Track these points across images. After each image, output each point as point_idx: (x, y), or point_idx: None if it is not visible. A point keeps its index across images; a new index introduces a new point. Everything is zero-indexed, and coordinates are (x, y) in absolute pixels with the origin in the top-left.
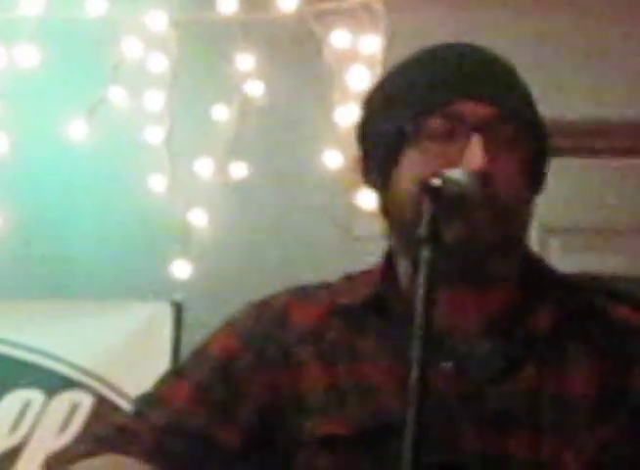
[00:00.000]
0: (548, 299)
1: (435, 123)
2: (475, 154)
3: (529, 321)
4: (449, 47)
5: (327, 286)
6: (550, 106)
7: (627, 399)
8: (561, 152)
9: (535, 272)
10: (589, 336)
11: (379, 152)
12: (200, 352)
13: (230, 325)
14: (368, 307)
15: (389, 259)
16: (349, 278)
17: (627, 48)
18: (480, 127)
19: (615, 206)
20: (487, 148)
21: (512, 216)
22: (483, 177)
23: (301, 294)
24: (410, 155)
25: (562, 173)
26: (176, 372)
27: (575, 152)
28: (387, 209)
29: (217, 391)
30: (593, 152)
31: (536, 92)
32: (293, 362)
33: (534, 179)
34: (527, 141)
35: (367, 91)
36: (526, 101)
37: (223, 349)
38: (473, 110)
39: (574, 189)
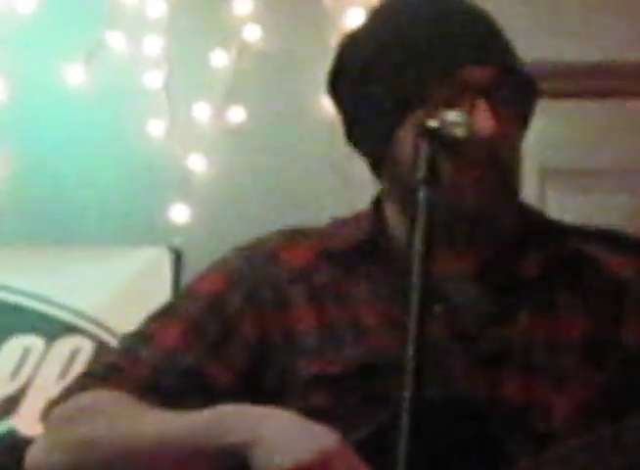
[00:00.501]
0: (539, 246)
1: (438, 92)
2: (485, 120)
3: (519, 267)
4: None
5: (316, 230)
6: (549, 48)
7: (619, 349)
8: (560, 94)
9: (529, 220)
10: (580, 284)
11: (376, 118)
12: (190, 292)
13: (220, 265)
14: (358, 252)
15: (377, 206)
16: (338, 223)
17: None
18: (484, 91)
19: (614, 147)
20: (492, 110)
21: (511, 171)
22: (491, 140)
23: (291, 236)
24: (408, 124)
25: (562, 116)
26: (166, 311)
27: (574, 94)
28: (380, 168)
29: (208, 329)
30: (592, 93)
31: (535, 34)
32: (284, 302)
33: (525, 130)
34: (523, 95)
35: (348, 44)
36: (514, 54)
37: (213, 288)
38: (475, 75)
39: (574, 131)
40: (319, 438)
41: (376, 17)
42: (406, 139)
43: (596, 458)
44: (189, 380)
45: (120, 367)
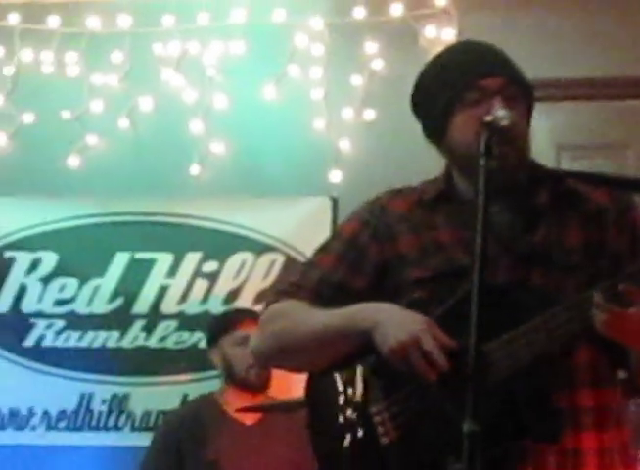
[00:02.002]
0: (546, 186)
1: (471, 95)
2: (499, 107)
3: (535, 199)
4: (468, 43)
5: (411, 188)
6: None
7: (604, 248)
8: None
9: (539, 171)
10: (575, 209)
11: (434, 115)
12: (338, 233)
13: (354, 214)
14: (438, 199)
15: (447, 170)
16: (424, 182)
17: None
18: (498, 92)
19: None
20: (505, 103)
21: (523, 142)
22: (515, 128)
23: (396, 192)
24: (458, 117)
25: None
26: (324, 246)
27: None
28: (445, 149)
29: (349, 256)
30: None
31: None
32: (393, 235)
33: (529, 121)
34: (524, 96)
35: (422, 72)
36: (519, 72)
37: (350, 230)
38: (490, 83)
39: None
40: (414, 323)
41: (438, 54)
42: (458, 126)
43: (530, 338)
44: (338, 289)
45: (298, 284)
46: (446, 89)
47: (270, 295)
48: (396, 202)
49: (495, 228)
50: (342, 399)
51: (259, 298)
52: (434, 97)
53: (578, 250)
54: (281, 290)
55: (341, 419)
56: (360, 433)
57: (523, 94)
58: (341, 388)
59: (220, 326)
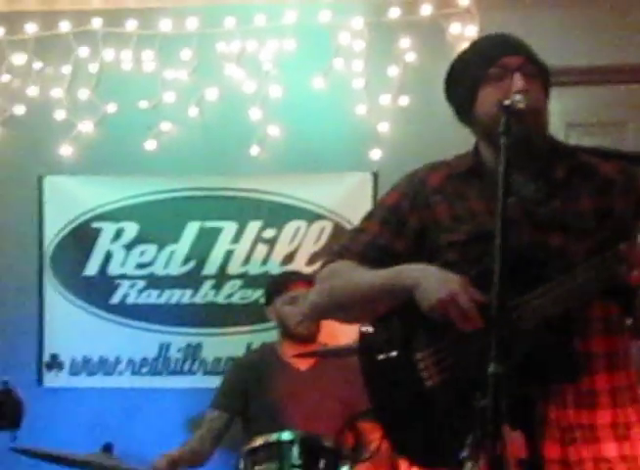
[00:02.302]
0: (562, 160)
1: (494, 71)
2: (518, 80)
3: (552, 173)
4: (491, 35)
5: (445, 162)
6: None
7: (614, 214)
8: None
9: (555, 146)
10: (587, 180)
11: (463, 93)
12: (381, 202)
13: (395, 186)
14: (468, 173)
15: (476, 146)
16: (456, 157)
17: None
18: (517, 69)
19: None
20: (524, 78)
21: (541, 116)
22: (525, 92)
23: (431, 166)
24: (483, 92)
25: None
26: (369, 214)
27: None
28: (472, 124)
29: (392, 222)
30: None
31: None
32: (430, 204)
33: (547, 97)
34: (541, 75)
35: (454, 61)
36: (534, 53)
37: (392, 200)
38: (511, 60)
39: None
40: (451, 282)
41: (465, 47)
42: (483, 100)
43: (560, 290)
44: (383, 252)
45: (348, 247)
46: (473, 68)
47: (325, 256)
48: (431, 175)
49: (519, 197)
50: (389, 348)
51: (311, 260)
52: (463, 77)
53: (590, 215)
54: (334, 252)
55: (389, 365)
56: (407, 377)
57: (539, 72)
58: (388, 337)
59: (274, 288)
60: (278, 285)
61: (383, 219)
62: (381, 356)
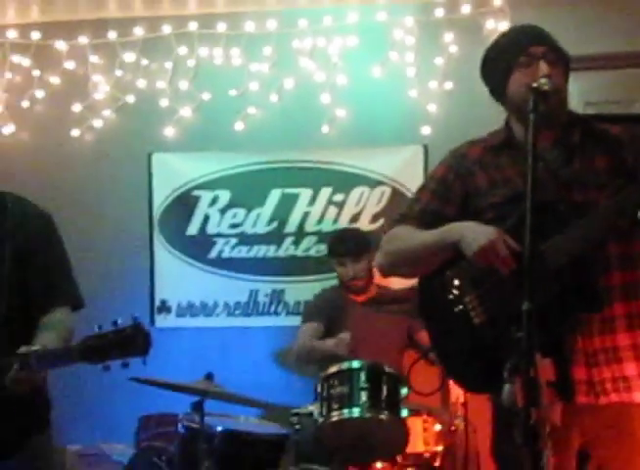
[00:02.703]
0: (577, 127)
1: (523, 59)
2: (543, 67)
3: (570, 138)
4: (519, 26)
5: (482, 138)
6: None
7: (624, 168)
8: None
9: (572, 117)
10: (600, 142)
11: (497, 76)
12: (431, 176)
13: (442, 160)
14: (501, 145)
15: (507, 122)
16: (491, 133)
17: None
18: (542, 57)
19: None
20: (548, 65)
21: (562, 96)
22: (549, 76)
23: (471, 142)
24: (514, 76)
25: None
26: (422, 186)
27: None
28: (505, 102)
29: (441, 191)
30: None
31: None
32: (471, 173)
33: (567, 78)
34: (562, 61)
35: (489, 47)
36: (558, 44)
37: (440, 173)
38: (537, 49)
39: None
40: (490, 233)
41: (497, 38)
42: (514, 83)
43: (581, 231)
44: (435, 216)
45: (406, 215)
46: (505, 55)
47: (388, 223)
48: (471, 149)
49: (544, 162)
50: (444, 292)
51: (374, 219)
52: (497, 63)
53: (605, 172)
54: (395, 219)
55: (445, 307)
56: (459, 316)
57: (561, 59)
58: (442, 284)
59: (330, 250)
60: (334, 241)
61: (433, 190)
62: (439, 301)
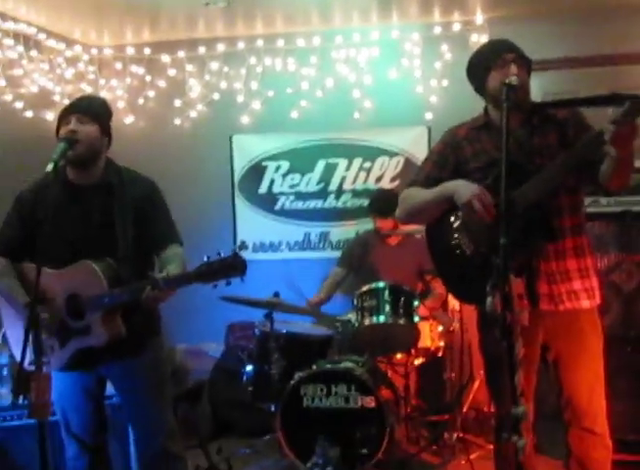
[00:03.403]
0: (536, 112)
1: (498, 62)
2: (513, 68)
3: (532, 120)
4: (498, 39)
5: (468, 121)
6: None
7: (570, 140)
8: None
9: (533, 105)
10: (552, 123)
11: (479, 76)
12: (432, 150)
13: (441, 138)
14: (482, 126)
15: (486, 110)
16: (475, 117)
17: None
18: (512, 61)
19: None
20: (517, 67)
21: (526, 89)
22: (517, 75)
23: (460, 125)
24: (491, 75)
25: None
26: (426, 158)
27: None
28: (484, 94)
29: (440, 161)
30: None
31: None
32: (460, 147)
33: (529, 77)
34: (526, 64)
35: (470, 57)
36: (524, 53)
37: (439, 148)
38: (508, 55)
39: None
40: (475, 188)
41: (479, 47)
42: (491, 80)
43: (540, 178)
44: (437, 179)
45: (415, 180)
46: (485, 60)
47: (403, 186)
48: (460, 129)
49: (514, 137)
50: (444, 233)
51: (392, 180)
52: (479, 66)
53: (556, 144)
54: (407, 183)
55: (446, 243)
56: (455, 248)
57: (525, 62)
58: (443, 227)
59: (372, 201)
60: (374, 200)
61: (434, 160)
62: (441, 238)
